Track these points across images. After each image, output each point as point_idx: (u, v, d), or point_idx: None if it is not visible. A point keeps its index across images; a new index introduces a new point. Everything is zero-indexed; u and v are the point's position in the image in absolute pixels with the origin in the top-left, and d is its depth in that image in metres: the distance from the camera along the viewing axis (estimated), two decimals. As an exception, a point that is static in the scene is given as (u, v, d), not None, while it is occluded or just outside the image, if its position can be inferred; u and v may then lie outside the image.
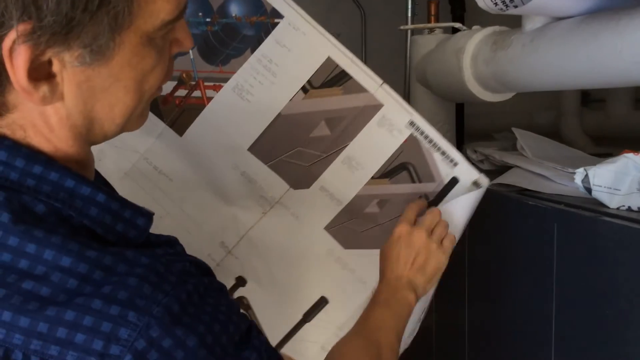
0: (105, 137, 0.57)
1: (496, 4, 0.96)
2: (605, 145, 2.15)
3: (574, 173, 0.95)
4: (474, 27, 1.31)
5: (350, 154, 0.99)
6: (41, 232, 0.47)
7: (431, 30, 1.51)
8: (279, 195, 1.02)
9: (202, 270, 0.56)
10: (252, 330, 0.56)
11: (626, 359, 0.80)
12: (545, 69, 1.04)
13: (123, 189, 0.64)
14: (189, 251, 0.57)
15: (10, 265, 0.46)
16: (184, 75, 1.00)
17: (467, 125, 2.28)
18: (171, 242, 0.56)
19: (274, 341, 1.02)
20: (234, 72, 0.99)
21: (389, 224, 0.99)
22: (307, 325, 1.03)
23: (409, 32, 1.59)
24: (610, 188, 0.90)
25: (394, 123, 0.96)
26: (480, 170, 0.99)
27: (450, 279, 1.29)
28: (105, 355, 0.46)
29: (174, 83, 1.00)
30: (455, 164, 0.97)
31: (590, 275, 0.86)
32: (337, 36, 0.99)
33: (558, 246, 0.92)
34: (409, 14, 1.58)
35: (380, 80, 0.96)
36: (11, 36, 0.46)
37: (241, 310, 1.02)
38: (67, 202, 0.50)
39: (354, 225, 1.02)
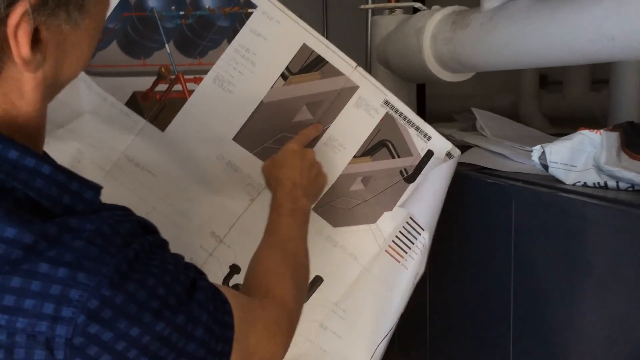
0: (59, 90, 0.57)
1: (455, -18, 0.96)
2: (563, 126, 2.19)
3: (532, 151, 0.96)
4: (434, 7, 1.31)
5: (332, 135, 1.03)
6: None
7: (392, 10, 1.50)
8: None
9: (147, 230, 0.57)
10: (196, 274, 0.58)
11: (582, 330, 0.82)
12: (503, 47, 1.04)
13: (105, 189, 0.64)
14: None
15: None
16: (163, 69, 1.00)
17: (428, 107, 2.30)
18: (119, 207, 0.56)
19: None
20: (212, 64, 1.00)
21: (375, 200, 1.04)
22: (304, 306, 1.04)
23: (370, 12, 1.58)
24: (567, 164, 0.92)
25: (370, 103, 1.03)
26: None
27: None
28: (58, 318, 0.45)
29: (154, 78, 1.00)
30: (429, 138, 1.04)
31: (548, 249, 0.88)
32: (299, 17, 0.99)
33: (516, 222, 0.93)
34: (370, -6, 1.57)
35: (354, 63, 1.02)
36: (18, 11, 0.46)
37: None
38: (11, 174, 0.48)
39: (341, 204, 1.05)
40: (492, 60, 1.10)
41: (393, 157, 1.04)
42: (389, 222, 1.05)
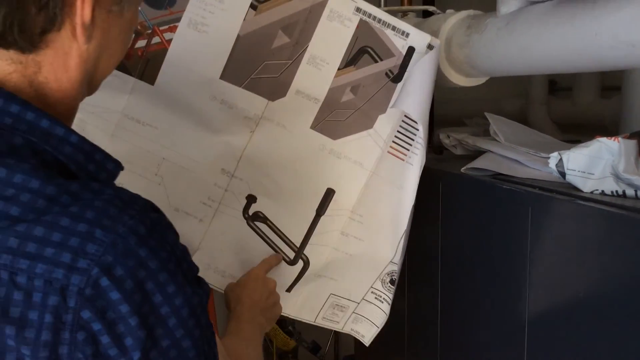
0: (90, 91, 0.61)
1: (473, -15, 0.95)
2: (571, 132, 2.18)
3: (548, 158, 0.95)
4: (448, 11, 1.30)
5: (312, 53, 1.07)
6: (13, 159, 0.50)
7: (404, 13, 1.49)
8: (260, 111, 1.08)
9: (159, 212, 0.59)
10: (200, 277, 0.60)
11: (598, 338, 0.81)
12: (520, 53, 1.03)
13: (114, 150, 0.67)
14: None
15: None
16: (139, 26, 1.05)
17: (436, 111, 2.28)
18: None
19: (297, 241, 1.13)
20: (183, 10, 1.04)
21: (367, 106, 1.09)
22: (323, 219, 1.13)
23: (382, 15, 1.56)
24: (584, 172, 0.91)
25: (342, 14, 1.05)
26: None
27: (423, 263, 1.29)
28: (73, 268, 0.48)
29: (132, 36, 1.05)
30: (407, 35, 1.07)
31: (564, 258, 0.87)
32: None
33: (532, 230, 0.92)
34: (382, -3, 1.56)
35: None
36: None
37: (257, 223, 1.12)
38: (43, 139, 0.52)
39: (336, 117, 1.10)
40: (509, 66, 1.09)
41: (376, 61, 1.07)
42: (385, 124, 1.10)
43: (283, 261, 1.14)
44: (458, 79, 1.28)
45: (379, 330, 1.17)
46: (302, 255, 1.14)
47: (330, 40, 1.06)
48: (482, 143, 1.23)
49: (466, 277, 1.14)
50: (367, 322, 1.18)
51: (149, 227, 0.51)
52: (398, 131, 1.10)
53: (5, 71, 0.53)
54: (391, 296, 1.16)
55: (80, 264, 0.48)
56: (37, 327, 0.47)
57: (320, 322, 1.19)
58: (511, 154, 1.12)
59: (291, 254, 1.14)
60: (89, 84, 0.60)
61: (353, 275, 1.16)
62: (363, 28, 1.06)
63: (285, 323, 1.90)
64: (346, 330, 1.20)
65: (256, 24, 1.04)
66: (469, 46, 1.17)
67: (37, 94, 0.55)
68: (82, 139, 0.55)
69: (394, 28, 1.07)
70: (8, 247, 0.47)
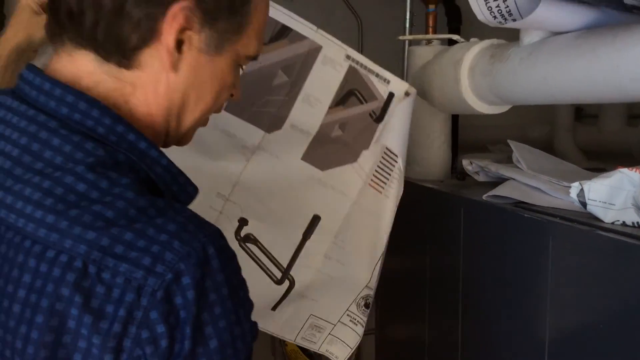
0: (177, 133, 0.67)
1: (495, 17, 0.97)
2: (598, 160, 2.17)
3: (569, 187, 0.95)
4: (472, 40, 1.32)
5: (307, 92, 1.18)
6: (115, 173, 0.56)
7: (429, 41, 1.51)
8: (257, 141, 1.19)
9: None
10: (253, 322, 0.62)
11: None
12: (542, 82, 1.05)
13: None
14: (191, 207, 0.65)
15: (84, 193, 0.55)
16: None
17: (460, 137, 2.29)
18: None
19: (284, 262, 1.23)
20: None
21: (353, 141, 1.21)
22: (308, 243, 1.23)
23: (407, 42, 1.59)
24: (605, 203, 0.91)
25: (334, 59, 1.18)
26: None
27: (445, 289, 1.29)
28: (151, 271, 0.53)
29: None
30: (389, 82, 1.19)
31: (585, 288, 0.87)
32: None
33: (553, 259, 0.92)
34: (407, 25, 1.59)
35: (314, 27, 1.17)
36: (181, 4, 0.58)
37: (248, 244, 1.21)
38: (140, 159, 0.59)
39: (325, 150, 1.21)
40: (531, 95, 1.10)
41: (362, 103, 1.20)
42: (367, 159, 1.21)
43: (270, 280, 1.23)
44: (481, 107, 1.29)
45: (353, 351, 1.24)
46: (289, 276, 1.23)
47: (323, 82, 1.17)
48: (504, 170, 1.24)
49: (487, 304, 1.14)
50: (342, 343, 1.26)
51: (218, 249, 0.56)
52: (378, 166, 1.20)
53: (109, 88, 0.60)
54: (365, 319, 1.24)
55: (157, 269, 0.53)
56: (111, 320, 0.52)
57: (300, 342, 1.27)
58: (533, 182, 1.13)
59: (278, 274, 1.22)
60: (177, 126, 0.65)
61: (332, 297, 1.25)
62: (351, 73, 1.18)
63: (306, 345, 1.90)
64: (322, 351, 1.27)
65: (259, 62, 1.13)
66: (491, 75, 1.18)
67: (132, 116, 0.61)
68: (171, 162, 0.62)
69: (377, 75, 1.18)
70: (101, 246, 0.53)
